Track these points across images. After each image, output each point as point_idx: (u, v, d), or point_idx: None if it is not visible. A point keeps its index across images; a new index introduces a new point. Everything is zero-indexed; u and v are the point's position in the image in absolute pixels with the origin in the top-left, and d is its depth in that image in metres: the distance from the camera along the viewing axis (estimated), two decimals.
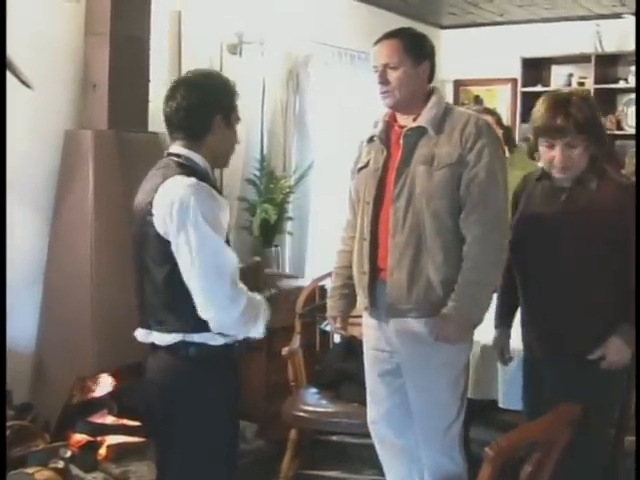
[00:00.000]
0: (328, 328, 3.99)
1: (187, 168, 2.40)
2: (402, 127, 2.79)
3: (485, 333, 3.10)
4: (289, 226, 5.18)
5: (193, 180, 2.32)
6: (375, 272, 2.83)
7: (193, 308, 2.31)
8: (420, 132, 2.75)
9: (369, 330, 3.02)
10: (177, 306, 2.36)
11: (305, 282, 4.69)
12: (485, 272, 2.69)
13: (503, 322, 3.00)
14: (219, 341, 2.38)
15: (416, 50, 2.76)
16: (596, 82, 6.40)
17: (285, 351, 3.78)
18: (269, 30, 5.00)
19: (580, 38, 6.47)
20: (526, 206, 2.80)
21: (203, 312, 2.29)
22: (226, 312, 2.29)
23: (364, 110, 5.55)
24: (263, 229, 4.67)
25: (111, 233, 3.55)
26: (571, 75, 6.69)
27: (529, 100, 6.51)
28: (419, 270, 2.72)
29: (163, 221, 2.31)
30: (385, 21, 5.46)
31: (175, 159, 2.45)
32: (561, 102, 2.61)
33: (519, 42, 6.79)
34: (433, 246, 2.70)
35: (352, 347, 3.79)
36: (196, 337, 2.36)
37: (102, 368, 3.65)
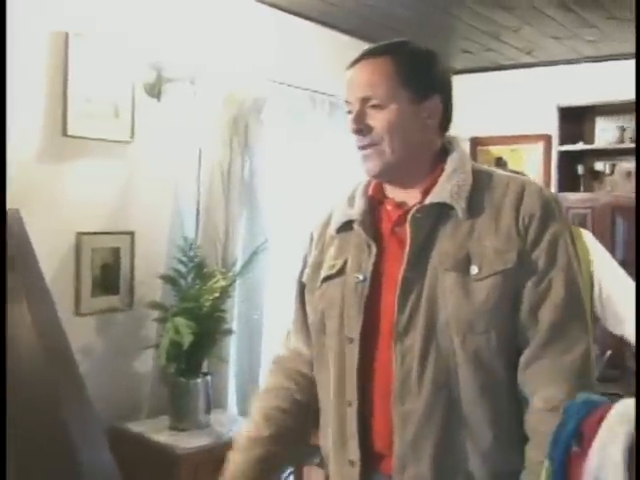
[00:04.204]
0: None
1: None
2: (399, 206, 1.96)
3: None
4: (233, 343, 3.92)
5: None
6: (371, 462, 1.90)
7: None
8: (439, 213, 1.89)
9: None
10: None
11: None
12: None
13: None
14: None
15: (417, 76, 1.90)
16: None
17: None
18: (204, 62, 3.83)
19: (632, 80, 5.31)
20: None
21: None
22: None
23: (350, 175, 4.26)
24: (175, 353, 3.31)
25: None
26: (623, 129, 5.62)
27: (568, 162, 5.73)
28: (452, 459, 1.84)
29: None
30: None
31: None
32: None
33: (554, 87, 5.82)
34: (475, 416, 1.83)
35: None
36: None
37: None
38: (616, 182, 5.67)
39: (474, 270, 1.83)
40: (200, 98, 3.85)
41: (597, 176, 5.77)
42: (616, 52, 5.44)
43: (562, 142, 5.72)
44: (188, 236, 3.77)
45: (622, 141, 5.57)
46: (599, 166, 5.76)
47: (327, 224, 2.07)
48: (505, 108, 6.04)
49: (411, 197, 1.93)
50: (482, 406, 1.83)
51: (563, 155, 5.72)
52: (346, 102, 1.91)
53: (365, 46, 1.90)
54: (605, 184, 5.72)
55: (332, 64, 4.70)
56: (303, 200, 4.48)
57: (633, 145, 5.51)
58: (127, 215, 3.65)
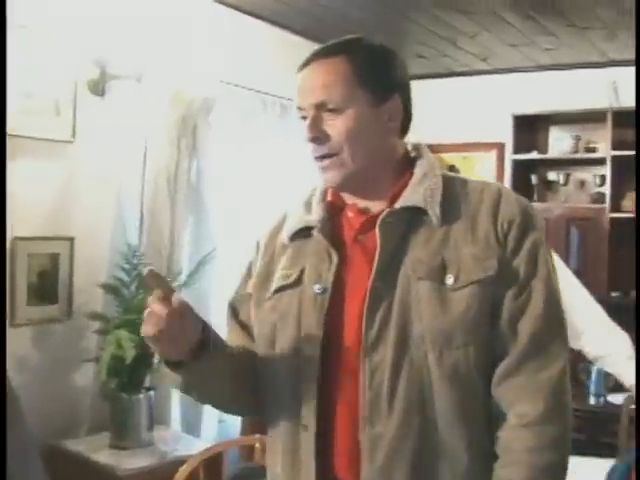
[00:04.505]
0: None
1: None
2: (362, 212, 1.84)
3: None
4: None
5: None
6: None
7: None
8: (410, 219, 1.77)
9: None
10: None
11: (199, 446, 3.25)
12: None
13: None
14: None
15: (376, 76, 1.77)
16: (614, 147, 5.23)
17: None
18: (151, 59, 3.64)
19: (590, 90, 5.37)
20: None
21: None
22: None
23: (303, 179, 4.18)
24: (116, 367, 3.13)
25: None
26: (578, 138, 5.54)
27: (522, 171, 5.64)
28: None
29: None
30: None
31: None
32: None
33: (508, 95, 5.73)
34: (451, 438, 1.72)
35: None
36: None
37: None
38: (570, 192, 5.61)
39: (450, 279, 1.72)
40: (147, 97, 3.67)
41: (551, 186, 5.70)
42: (572, 61, 5.39)
43: (516, 151, 5.63)
44: (131, 242, 3.60)
45: (576, 151, 5.49)
46: (553, 176, 5.69)
47: (277, 232, 1.93)
48: (458, 115, 5.92)
49: (376, 204, 1.81)
50: (459, 426, 1.73)
51: (517, 164, 5.63)
52: (299, 109, 1.76)
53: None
54: (559, 194, 5.64)
55: (284, 65, 4.56)
56: (253, 206, 4.31)
57: (587, 155, 5.47)
58: (67, 219, 3.47)
